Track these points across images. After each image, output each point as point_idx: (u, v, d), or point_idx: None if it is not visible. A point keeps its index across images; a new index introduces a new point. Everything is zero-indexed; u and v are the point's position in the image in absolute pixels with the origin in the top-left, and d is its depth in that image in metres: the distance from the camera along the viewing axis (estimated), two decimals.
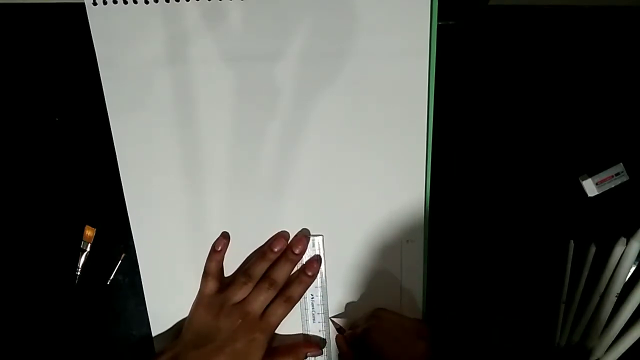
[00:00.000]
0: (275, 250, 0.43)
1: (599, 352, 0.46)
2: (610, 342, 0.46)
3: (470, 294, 0.47)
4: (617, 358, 0.46)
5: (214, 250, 0.44)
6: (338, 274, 0.45)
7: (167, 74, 0.42)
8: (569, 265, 0.45)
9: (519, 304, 0.46)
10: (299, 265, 0.45)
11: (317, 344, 0.46)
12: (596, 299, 0.45)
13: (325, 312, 0.46)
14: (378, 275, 0.45)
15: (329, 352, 0.47)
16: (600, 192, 0.43)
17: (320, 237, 0.44)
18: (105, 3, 0.40)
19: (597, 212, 0.44)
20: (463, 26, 0.42)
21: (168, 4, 0.40)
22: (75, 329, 0.48)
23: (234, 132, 0.43)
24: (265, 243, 0.45)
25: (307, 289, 0.44)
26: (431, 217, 0.44)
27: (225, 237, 0.44)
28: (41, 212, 0.46)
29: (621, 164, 0.43)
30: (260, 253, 0.44)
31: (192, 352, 0.40)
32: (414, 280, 0.45)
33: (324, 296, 0.45)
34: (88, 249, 0.46)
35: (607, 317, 0.45)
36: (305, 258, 0.45)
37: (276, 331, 0.44)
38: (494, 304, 0.47)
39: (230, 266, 0.45)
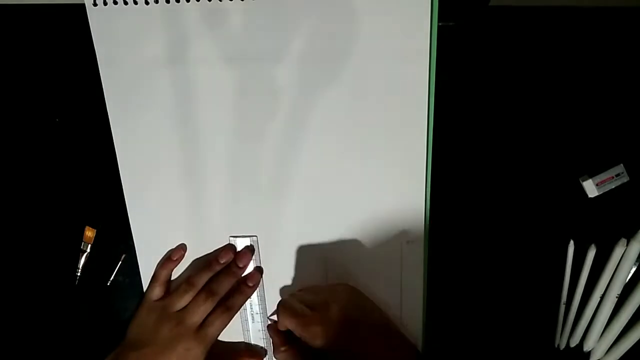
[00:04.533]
0: (222, 262, 0.44)
1: (598, 354, 0.46)
2: (610, 343, 0.46)
3: (471, 294, 0.47)
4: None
5: (169, 259, 0.45)
6: (339, 274, 0.45)
7: (168, 75, 0.42)
8: (569, 266, 0.45)
9: (519, 305, 0.46)
10: None
11: (258, 354, 0.47)
12: (596, 300, 0.45)
13: (264, 311, 0.46)
14: (378, 276, 0.45)
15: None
16: (601, 192, 0.43)
17: (255, 237, 0.45)
18: (105, 4, 0.40)
19: (597, 213, 0.44)
20: (463, 27, 0.42)
21: (168, 4, 0.40)
22: (75, 329, 0.48)
23: (234, 132, 0.43)
24: (212, 253, 0.45)
25: (247, 299, 0.45)
26: (431, 218, 0.44)
27: (182, 248, 0.45)
28: (41, 213, 0.46)
29: (622, 164, 0.43)
30: (206, 263, 0.44)
31: (131, 352, 0.41)
32: (414, 280, 0.45)
33: (261, 296, 0.46)
34: (88, 250, 0.46)
35: (607, 319, 0.45)
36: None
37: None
38: (494, 304, 0.47)
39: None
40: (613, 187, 0.43)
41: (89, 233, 0.46)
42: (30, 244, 0.47)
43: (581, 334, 0.46)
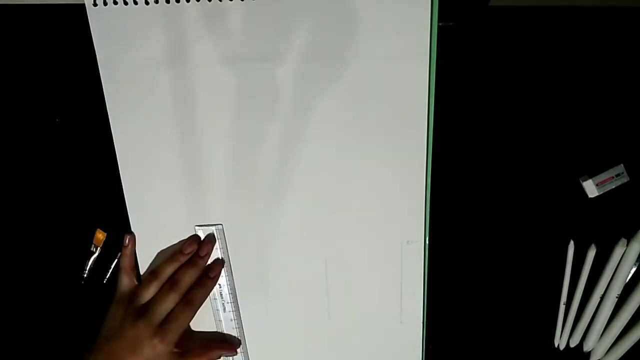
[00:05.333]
0: (186, 252, 0.44)
1: (598, 354, 0.46)
2: (611, 343, 0.46)
3: (471, 294, 0.47)
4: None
5: (123, 246, 0.45)
6: (339, 275, 0.45)
7: (167, 75, 0.42)
8: (569, 266, 0.45)
9: (519, 305, 0.46)
10: None
11: (232, 344, 0.47)
12: (596, 300, 0.45)
13: (235, 301, 0.46)
14: (378, 276, 0.45)
15: (244, 349, 0.47)
16: (601, 193, 0.43)
17: (220, 225, 0.44)
18: (105, 4, 0.40)
19: (597, 213, 0.44)
20: (463, 27, 0.42)
21: (168, 4, 0.40)
22: (81, 328, 0.48)
23: (234, 133, 0.43)
24: (177, 244, 0.45)
25: (209, 291, 0.44)
26: (432, 218, 0.44)
27: (130, 233, 0.45)
28: (39, 213, 0.46)
29: (622, 165, 0.43)
30: (170, 254, 0.44)
31: (105, 346, 0.41)
32: (414, 281, 0.45)
33: (232, 286, 0.46)
34: (97, 252, 0.46)
35: (607, 319, 0.45)
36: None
37: (193, 325, 0.45)
38: (494, 304, 0.47)
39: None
40: (613, 187, 0.43)
41: (100, 235, 0.46)
42: (28, 244, 0.47)
43: (581, 334, 0.46)
